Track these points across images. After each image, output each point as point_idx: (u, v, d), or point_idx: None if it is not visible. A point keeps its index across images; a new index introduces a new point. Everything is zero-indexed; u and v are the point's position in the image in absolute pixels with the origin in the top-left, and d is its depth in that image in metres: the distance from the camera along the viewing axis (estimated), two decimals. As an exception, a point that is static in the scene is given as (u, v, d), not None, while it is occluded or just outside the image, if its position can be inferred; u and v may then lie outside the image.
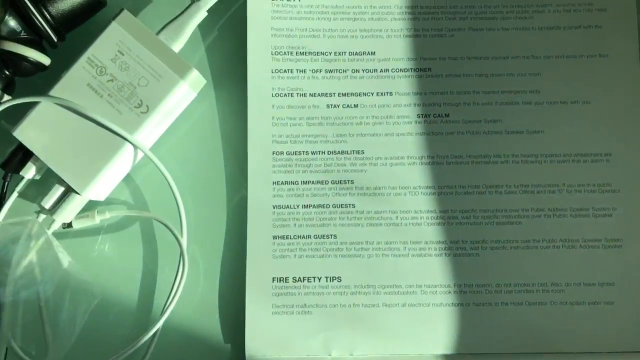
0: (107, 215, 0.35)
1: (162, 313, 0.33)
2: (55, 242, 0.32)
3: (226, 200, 0.36)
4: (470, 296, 0.34)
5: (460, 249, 0.35)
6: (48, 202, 0.33)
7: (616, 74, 0.36)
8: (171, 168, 0.35)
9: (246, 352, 0.34)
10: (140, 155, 0.34)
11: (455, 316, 0.34)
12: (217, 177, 0.36)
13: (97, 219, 0.34)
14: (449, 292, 0.34)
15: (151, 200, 0.36)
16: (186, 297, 0.35)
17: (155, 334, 0.33)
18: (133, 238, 0.36)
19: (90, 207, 0.35)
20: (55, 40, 0.34)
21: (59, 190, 0.33)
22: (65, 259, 0.32)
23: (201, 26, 0.36)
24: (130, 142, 0.32)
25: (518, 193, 0.35)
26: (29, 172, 0.33)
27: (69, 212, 0.33)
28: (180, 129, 0.37)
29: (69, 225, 0.34)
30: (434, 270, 0.35)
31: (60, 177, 0.33)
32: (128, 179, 0.36)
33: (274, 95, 0.36)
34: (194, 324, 0.35)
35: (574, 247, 0.35)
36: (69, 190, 0.33)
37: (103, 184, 0.33)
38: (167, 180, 0.34)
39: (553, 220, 0.35)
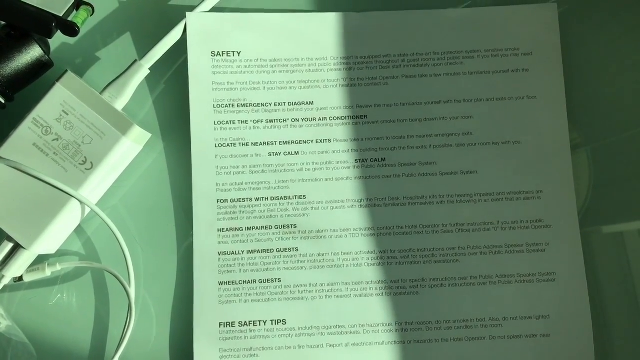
0: (58, 267, 0.36)
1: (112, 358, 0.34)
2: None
3: (176, 247, 0.37)
4: (411, 334, 0.36)
5: (400, 288, 0.36)
6: (-3, 259, 0.34)
7: (544, 114, 0.38)
8: (122, 218, 0.37)
9: (194, 397, 0.35)
10: (88, 209, 0.35)
11: (398, 354, 0.35)
12: (166, 226, 0.38)
13: (47, 272, 0.35)
14: (391, 331, 0.36)
15: (102, 250, 0.37)
16: (138, 343, 0.36)
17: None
18: (86, 288, 0.37)
19: (42, 259, 0.36)
20: (3, 102, 0.35)
21: (7, 246, 0.34)
22: (3, 323, 0.33)
23: (148, 80, 0.38)
24: (76, 198, 0.34)
25: (454, 232, 0.37)
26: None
27: (18, 267, 0.34)
28: (130, 180, 0.38)
29: (20, 279, 0.35)
30: (375, 310, 0.36)
31: (5, 233, 0.34)
32: (79, 231, 0.37)
33: (217, 145, 0.37)
34: (145, 371, 0.36)
35: (509, 283, 0.36)
36: (17, 246, 0.34)
37: (51, 239, 0.34)
38: (113, 232, 0.35)
39: (489, 257, 0.36)
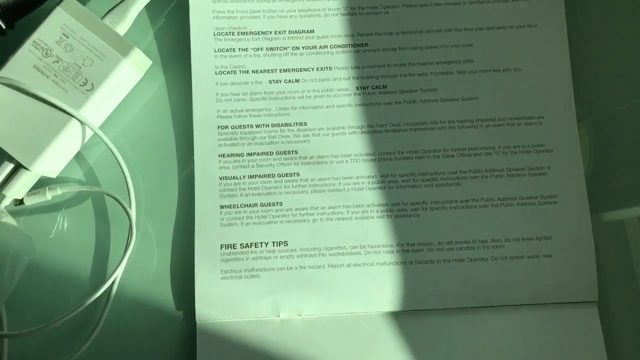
0: (59, 191, 0.36)
1: (111, 275, 0.34)
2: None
3: (176, 175, 0.37)
4: (413, 255, 0.35)
5: (401, 210, 0.36)
6: (-2, 179, 0.34)
7: (545, 42, 0.38)
8: (123, 149, 0.37)
9: (196, 317, 0.34)
10: (89, 132, 0.35)
11: (399, 274, 0.35)
12: (167, 155, 0.38)
13: (48, 195, 0.35)
14: (392, 252, 0.35)
15: (103, 178, 0.37)
16: (139, 268, 0.36)
17: (108, 297, 0.34)
18: (87, 214, 0.37)
19: (43, 184, 0.36)
20: (4, 27, 0.35)
21: (8, 167, 0.34)
22: (5, 218, 0.33)
23: (150, 13, 0.38)
24: (76, 118, 0.34)
25: (455, 156, 0.37)
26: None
27: (18, 187, 0.34)
28: (131, 112, 0.38)
29: (21, 202, 0.35)
30: (376, 232, 0.36)
31: (9, 154, 0.34)
32: (81, 159, 0.37)
33: (217, 73, 0.37)
34: (147, 294, 0.36)
35: (511, 205, 0.36)
36: (18, 167, 0.34)
37: (52, 160, 0.34)
38: (113, 153, 0.35)
39: (490, 181, 0.36)
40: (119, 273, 0.35)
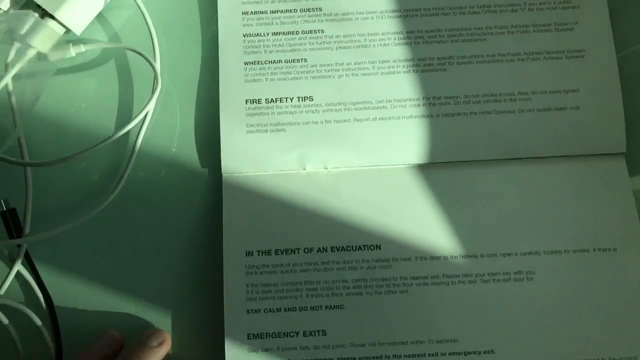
0: (82, 48, 0.35)
1: (141, 110, 0.34)
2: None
3: (200, 38, 0.37)
4: (439, 108, 0.35)
5: (427, 65, 0.36)
6: (23, 29, 0.34)
7: None
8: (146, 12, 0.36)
9: (222, 171, 0.34)
10: (112, -13, 0.35)
11: (426, 127, 0.35)
12: (190, 19, 0.38)
13: (72, 52, 0.35)
14: (418, 105, 0.35)
15: (127, 41, 0.37)
16: (163, 128, 0.36)
17: (133, 150, 0.34)
18: (110, 74, 0.37)
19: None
20: None
21: (32, 16, 0.34)
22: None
23: None
24: (100, -35, 0.33)
25: (481, 13, 0.36)
26: (3, 2, 0.34)
27: (43, 38, 0.34)
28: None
29: (45, 57, 0.35)
30: (402, 86, 0.35)
31: (34, 3, 0.33)
32: (104, 21, 0.37)
33: None
34: (171, 152, 0.36)
35: (538, 59, 0.36)
36: (43, 16, 0.34)
37: (76, 10, 0.34)
38: (137, 3, 0.34)
39: (516, 36, 0.36)
40: (150, 107, 0.34)
